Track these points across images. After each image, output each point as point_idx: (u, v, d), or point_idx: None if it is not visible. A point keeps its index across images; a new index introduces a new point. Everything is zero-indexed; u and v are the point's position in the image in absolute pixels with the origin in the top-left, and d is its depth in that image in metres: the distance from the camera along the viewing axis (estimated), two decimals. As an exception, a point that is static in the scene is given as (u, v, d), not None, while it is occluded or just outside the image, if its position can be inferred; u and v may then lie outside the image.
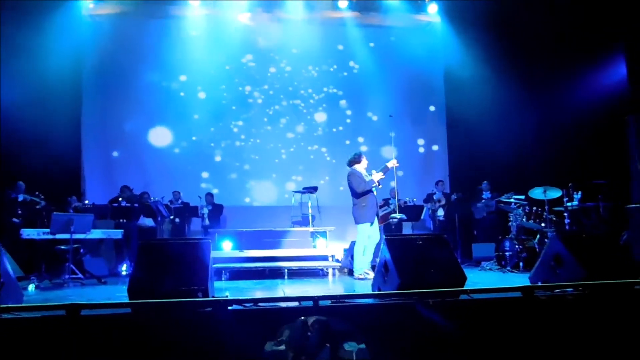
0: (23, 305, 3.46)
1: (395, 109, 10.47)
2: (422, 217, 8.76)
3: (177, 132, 10.07)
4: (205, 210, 8.94)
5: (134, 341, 3.11)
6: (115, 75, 9.98)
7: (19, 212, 7.60)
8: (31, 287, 5.69)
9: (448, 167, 10.44)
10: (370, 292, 4.47)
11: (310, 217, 8.72)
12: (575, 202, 7.17)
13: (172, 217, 8.60)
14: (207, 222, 8.90)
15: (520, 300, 3.55)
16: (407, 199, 8.73)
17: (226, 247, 7.44)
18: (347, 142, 10.43)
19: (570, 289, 3.77)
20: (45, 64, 8.54)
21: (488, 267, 7.10)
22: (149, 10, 10.01)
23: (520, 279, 5.46)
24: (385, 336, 3.40)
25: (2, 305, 3.19)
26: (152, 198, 8.60)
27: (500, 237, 7.26)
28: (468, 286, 3.95)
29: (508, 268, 6.79)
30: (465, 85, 9.75)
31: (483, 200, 8.62)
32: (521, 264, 6.67)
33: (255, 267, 6.75)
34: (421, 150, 10.62)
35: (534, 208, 7.06)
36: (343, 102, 10.58)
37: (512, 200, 7.34)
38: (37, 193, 7.78)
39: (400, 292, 3.76)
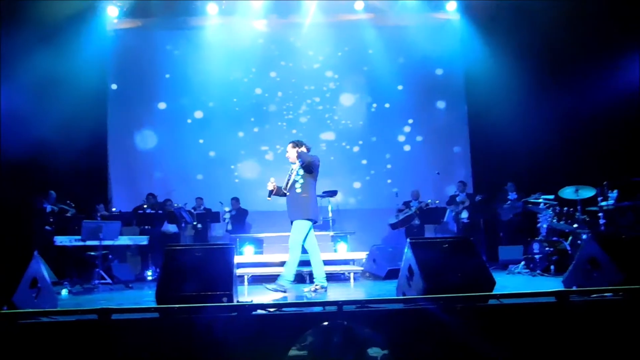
0: (58, 309, 3.56)
1: (415, 110, 10.45)
2: (444, 220, 8.66)
3: (202, 139, 10.22)
4: (228, 215, 9.01)
5: (161, 345, 3.16)
6: (138, 85, 10.25)
7: (51, 220, 7.81)
8: (64, 292, 5.86)
9: (471, 168, 10.26)
10: (394, 297, 4.42)
11: (330, 221, 8.70)
12: (610, 202, 6.82)
13: (195, 223, 8.71)
14: (230, 227, 8.97)
15: (554, 305, 3.45)
16: (429, 201, 8.64)
17: (248, 252, 7.49)
18: (361, 142, 10.44)
19: (609, 294, 3.65)
20: (71, 77, 8.75)
21: (516, 271, 6.87)
22: (168, 23, 10.25)
23: (552, 283, 5.33)
24: (410, 342, 3.36)
25: (39, 310, 3.30)
26: (175, 205, 8.75)
27: (528, 239, 7.06)
28: (496, 291, 3.87)
29: (538, 271, 6.58)
30: (486, 83, 9.51)
31: (509, 202, 8.43)
32: (552, 267, 6.48)
33: (278, 272, 6.74)
34: (443, 151, 10.47)
35: (565, 208, 6.83)
36: (361, 104, 10.54)
37: (540, 200, 7.10)
38: (68, 202, 8.02)
39: (426, 296, 3.71)
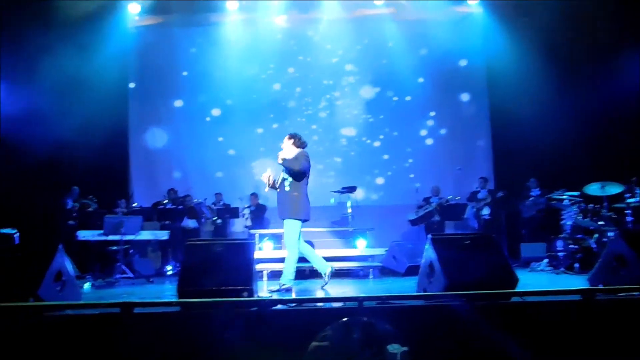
0: (82, 302, 3.63)
1: (437, 103, 10.30)
2: (465, 216, 8.54)
3: (221, 137, 10.27)
4: (247, 211, 9.06)
5: (182, 338, 3.19)
6: (157, 83, 10.35)
7: (74, 215, 7.96)
8: (87, 286, 5.96)
9: (492, 163, 10.05)
10: (415, 293, 4.38)
11: (349, 217, 8.68)
12: (638, 198, 6.71)
13: (214, 218, 8.77)
14: (249, 222, 9.01)
15: (579, 303, 3.38)
16: (450, 197, 8.53)
17: (267, 248, 7.51)
18: (382, 136, 10.34)
19: (637, 293, 3.55)
20: (93, 75, 8.88)
21: (539, 268, 6.78)
22: (188, 20, 10.29)
23: (577, 281, 5.24)
24: (430, 339, 3.33)
25: (63, 302, 3.37)
26: (195, 200, 8.83)
27: (552, 237, 6.93)
28: (519, 288, 3.82)
29: (562, 269, 6.46)
30: (509, 77, 9.30)
31: (531, 198, 8.27)
32: (576, 265, 6.36)
33: (297, 267, 6.75)
34: (464, 145, 10.25)
35: (591, 205, 6.69)
36: (381, 98, 10.42)
37: (564, 197, 6.96)
38: (90, 197, 8.16)
39: (447, 293, 3.67)
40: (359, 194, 9.56)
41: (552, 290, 3.74)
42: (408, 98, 10.36)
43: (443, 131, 10.33)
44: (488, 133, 10.20)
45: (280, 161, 5.10)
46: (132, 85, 10.34)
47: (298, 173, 5.05)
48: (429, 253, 4.15)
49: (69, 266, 3.95)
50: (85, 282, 6.10)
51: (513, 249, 8.19)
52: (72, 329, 3.18)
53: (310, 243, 7.37)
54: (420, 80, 10.31)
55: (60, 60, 8.33)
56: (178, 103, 10.44)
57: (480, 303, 3.48)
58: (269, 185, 5.24)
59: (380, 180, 10.24)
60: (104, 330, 3.15)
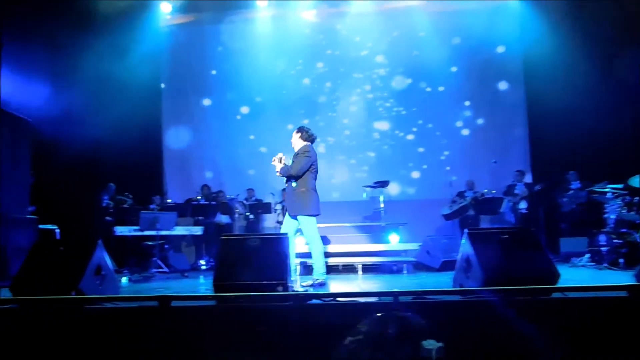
0: (121, 296, 3.71)
1: (471, 92, 10.06)
2: (501, 210, 8.33)
3: (252, 135, 10.33)
4: (279, 206, 9.09)
5: (218, 331, 3.21)
6: (190, 79, 10.52)
7: (111, 211, 8.17)
8: (124, 280, 6.10)
9: (529, 155, 9.74)
10: (451, 288, 4.30)
11: (381, 212, 8.60)
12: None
13: (247, 213, 8.85)
14: (281, 217, 9.04)
15: (625, 300, 3.23)
16: (485, 190, 8.33)
17: (300, 243, 7.51)
18: (415, 129, 10.19)
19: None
20: (127, 74, 9.07)
21: (580, 264, 6.55)
22: (219, 17, 10.42)
23: (622, 277, 5.02)
24: (467, 335, 3.25)
25: (103, 296, 3.45)
26: (227, 196, 8.93)
27: (594, 231, 6.68)
28: (560, 284, 3.69)
29: (605, 265, 6.23)
30: (547, 65, 8.98)
31: (571, 191, 7.98)
32: (621, 260, 6.11)
33: (329, 263, 6.75)
34: (500, 136, 9.97)
35: (636, 198, 6.42)
36: (414, 89, 10.25)
37: (607, 190, 6.71)
38: (126, 193, 8.36)
39: (485, 288, 3.58)
40: (395, 188, 9.47)
41: (597, 286, 3.58)
42: (441, 88, 10.17)
43: (480, 121, 10.09)
44: (525, 123, 9.89)
45: (279, 174, 5.14)
46: (163, 85, 10.53)
47: (295, 176, 5.05)
48: (465, 248, 4.05)
49: (108, 261, 4.04)
50: (122, 277, 6.24)
51: (552, 244, 7.94)
52: (111, 321, 3.26)
53: (346, 238, 7.36)
54: (454, 69, 10.12)
55: (96, 61, 8.56)
56: (209, 101, 10.60)
57: (519, 299, 3.38)
58: (278, 170, 5.21)
59: (415, 174, 10.10)
60: (142, 323, 3.21)
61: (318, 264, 5.02)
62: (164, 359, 3.12)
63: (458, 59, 10.08)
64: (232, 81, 10.44)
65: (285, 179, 5.18)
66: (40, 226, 6.56)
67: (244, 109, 10.49)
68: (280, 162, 5.17)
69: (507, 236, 4.01)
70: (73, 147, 8.09)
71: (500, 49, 10.06)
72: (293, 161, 5.07)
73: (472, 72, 10.02)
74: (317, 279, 4.96)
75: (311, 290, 4.59)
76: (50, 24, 7.56)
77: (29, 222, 6.22)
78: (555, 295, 3.48)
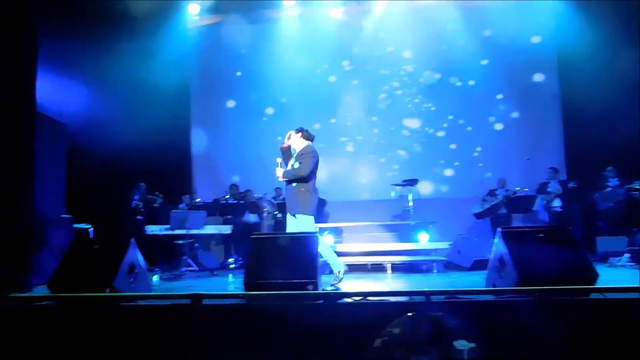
0: (154, 294, 3.77)
1: (504, 87, 9.80)
2: (534, 208, 8.11)
3: (279, 136, 10.29)
4: (307, 206, 9.09)
5: (249, 329, 3.23)
6: (218, 79, 10.64)
7: (141, 210, 8.33)
8: (156, 278, 6.19)
9: (564, 151, 9.41)
10: (484, 288, 4.20)
11: (410, 211, 8.51)
12: None
13: (276, 212, 8.88)
14: (309, 216, 9.05)
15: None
16: (517, 188, 8.13)
17: (327, 242, 7.50)
18: (445, 125, 10.00)
19: None
20: (156, 75, 9.21)
21: (619, 264, 6.32)
22: (246, 17, 10.46)
23: (663, 277, 4.82)
24: (500, 336, 3.18)
25: (137, 293, 3.51)
26: (255, 195, 8.98)
27: (634, 230, 6.45)
28: (599, 284, 3.57)
29: (646, 265, 6.00)
30: (583, 58, 8.67)
31: (609, 188, 7.70)
32: (663, 260, 5.90)
33: (358, 262, 6.73)
34: (534, 130, 9.64)
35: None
36: (443, 84, 10.03)
37: (648, 187, 6.50)
38: (156, 193, 8.50)
39: (520, 288, 3.49)
40: (427, 187, 9.34)
41: (638, 287, 3.44)
42: (472, 82, 9.94)
43: (515, 114, 9.80)
44: (559, 117, 9.53)
45: (282, 179, 5.01)
46: (192, 85, 10.67)
47: (306, 177, 4.94)
48: (499, 247, 3.97)
49: (141, 259, 4.11)
50: (153, 275, 6.33)
51: (588, 243, 7.67)
52: (145, 318, 3.31)
53: (375, 237, 7.28)
54: (484, 62, 9.88)
55: (126, 63, 8.71)
56: (235, 103, 10.64)
57: (556, 299, 3.28)
58: (280, 176, 5.08)
59: (449, 172, 9.88)
60: (175, 320, 3.25)
61: (332, 261, 4.93)
62: (196, 356, 3.16)
63: (489, 51, 9.82)
64: (258, 82, 10.47)
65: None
66: (75, 225, 6.73)
67: (269, 110, 10.50)
68: (279, 166, 5.11)
69: (542, 235, 3.91)
70: (105, 148, 8.27)
71: (536, 39, 9.73)
72: (300, 162, 4.94)
73: (505, 64, 9.74)
74: (338, 274, 4.88)
75: (340, 288, 4.56)
76: (80, 27, 7.73)
77: (65, 222, 6.39)
78: (594, 296, 3.37)
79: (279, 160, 5.15)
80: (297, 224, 4.87)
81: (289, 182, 4.98)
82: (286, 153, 5.23)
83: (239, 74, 10.68)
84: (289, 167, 5.08)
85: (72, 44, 7.50)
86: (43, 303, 3.54)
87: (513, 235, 3.93)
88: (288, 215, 5.03)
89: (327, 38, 10.32)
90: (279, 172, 5.01)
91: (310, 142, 5.18)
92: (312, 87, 10.30)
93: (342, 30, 10.37)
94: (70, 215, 6.72)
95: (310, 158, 4.94)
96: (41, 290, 4.24)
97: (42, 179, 5.07)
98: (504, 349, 3.13)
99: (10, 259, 4.25)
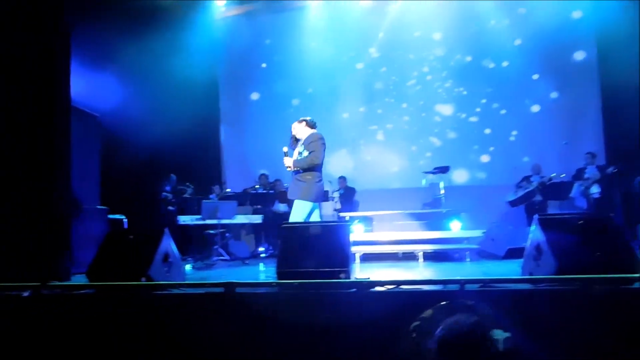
0: (188, 282, 3.82)
1: (539, 66, 9.46)
2: (571, 195, 7.85)
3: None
4: (336, 194, 9.07)
5: (282, 317, 3.24)
6: (246, 71, 10.68)
7: (173, 201, 8.47)
8: (188, 267, 6.30)
9: (603, 134, 9.06)
10: (521, 276, 4.10)
11: (442, 199, 8.37)
12: None
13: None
14: (338, 205, 9.02)
15: None
16: (553, 174, 7.88)
17: (358, 230, 7.47)
18: (478, 109, 9.76)
19: None
20: (186, 68, 9.30)
21: (664, 252, 6.09)
22: (271, 7, 10.45)
23: None
24: (537, 325, 3.09)
25: (171, 282, 3.58)
26: (285, 184, 8.99)
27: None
28: (642, 274, 3.42)
29: (692, 252, 5.76)
30: (623, 37, 8.25)
31: (651, 173, 7.43)
32: None
33: (388, 250, 6.68)
34: (571, 112, 9.29)
35: None
36: (474, 67, 9.79)
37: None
38: (187, 183, 8.62)
39: (559, 277, 3.39)
40: (463, 174, 9.15)
41: (684, 275, 3.29)
42: (505, 64, 9.65)
43: (554, 94, 9.45)
44: (598, 99, 9.16)
45: (294, 168, 4.94)
46: (220, 76, 10.73)
47: (318, 165, 4.90)
48: (536, 234, 3.85)
49: (174, 249, 4.17)
50: (186, 264, 6.44)
51: (629, 231, 7.39)
52: (179, 306, 3.36)
53: (406, 226, 7.19)
54: (517, 42, 9.57)
55: (155, 55, 8.79)
56: (261, 95, 10.67)
57: (596, 288, 3.17)
58: (290, 165, 5.02)
59: (485, 158, 9.67)
60: (209, 308, 3.30)
61: None
62: (230, 343, 3.19)
63: (523, 30, 9.49)
64: (283, 73, 10.43)
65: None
66: (109, 216, 6.89)
67: (295, 101, 10.44)
68: (286, 155, 5.06)
69: (582, 222, 3.77)
70: (136, 140, 8.41)
71: (576, 15, 9.33)
72: (311, 151, 4.87)
73: (541, 43, 9.36)
74: None
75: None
76: (111, 20, 7.82)
77: (100, 213, 6.55)
78: (638, 284, 3.23)
79: (285, 149, 5.11)
80: (294, 209, 4.83)
81: (297, 170, 4.93)
82: (294, 144, 5.21)
83: (264, 65, 10.69)
84: (296, 156, 5.03)
85: (103, 36, 7.60)
86: (83, 291, 3.63)
87: (551, 222, 3.80)
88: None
89: (352, 25, 10.19)
90: (289, 161, 4.96)
91: (315, 130, 5.13)
92: (338, 76, 10.22)
93: (367, 16, 10.20)
94: (105, 207, 6.88)
95: (321, 145, 4.91)
96: (79, 279, 4.36)
97: (78, 171, 5.19)
98: (541, 339, 3.05)
99: (50, 249, 4.38)
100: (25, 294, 3.52)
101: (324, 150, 4.93)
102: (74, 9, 5.08)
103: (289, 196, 5.00)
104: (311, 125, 5.16)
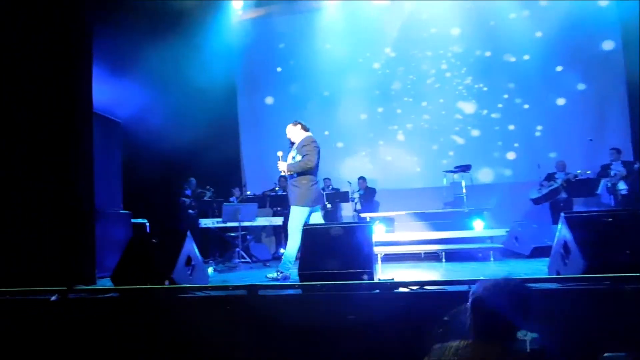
0: (211, 285, 3.84)
1: (564, 59, 9.19)
2: (598, 192, 7.66)
3: (327, 130, 10.25)
4: (356, 195, 9.04)
5: (305, 319, 3.22)
6: (263, 73, 10.70)
7: (192, 204, 8.54)
8: (210, 270, 6.33)
9: (630, 130, 8.74)
10: (547, 276, 4.01)
11: (464, 198, 8.27)
12: None
13: (325, 203, 8.87)
14: (358, 206, 8.99)
15: None
16: (579, 171, 7.69)
17: (379, 231, 7.42)
18: (500, 105, 9.58)
19: None
20: (205, 71, 9.35)
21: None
22: (290, 8, 10.43)
23: None
24: (565, 325, 3.01)
25: (195, 285, 3.60)
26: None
27: None
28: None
29: None
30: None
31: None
32: None
33: (410, 251, 6.62)
34: (598, 105, 8.97)
35: None
36: (495, 62, 9.57)
37: None
38: (207, 187, 8.68)
39: (588, 276, 3.30)
40: (487, 172, 8.99)
41: None
42: (526, 57, 9.40)
43: (582, 86, 9.13)
44: (625, 90, 8.86)
45: (287, 173, 4.92)
46: (239, 79, 10.78)
47: (311, 169, 4.88)
48: (563, 233, 3.77)
49: (197, 252, 4.20)
50: (208, 267, 6.47)
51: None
52: (203, 309, 3.38)
53: (428, 225, 7.12)
54: (539, 34, 9.31)
55: (174, 59, 8.88)
56: (280, 96, 10.62)
57: (628, 287, 3.08)
58: (284, 170, 5.02)
59: (511, 155, 9.44)
60: (232, 310, 3.30)
61: (289, 256, 4.80)
62: (253, 344, 3.19)
63: (544, 22, 9.21)
64: (299, 76, 10.39)
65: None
66: (132, 220, 6.97)
67: (312, 104, 10.33)
68: (280, 159, 5.03)
69: (611, 219, 3.67)
70: (156, 144, 8.48)
71: (603, 3, 9.05)
72: (304, 154, 4.85)
73: (564, 33, 9.06)
74: (282, 272, 4.72)
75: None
76: (131, 24, 7.91)
77: (123, 217, 6.63)
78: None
79: (280, 153, 5.10)
80: (291, 215, 4.82)
81: (292, 174, 4.91)
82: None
83: (279, 69, 10.66)
84: (290, 160, 5.01)
85: (124, 42, 7.70)
86: (107, 295, 3.68)
87: (579, 220, 3.72)
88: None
89: (367, 25, 10.10)
90: (283, 165, 4.95)
91: (309, 133, 5.11)
92: (355, 78, 10.13)
93: (382, 16, 10.08)
94: (128, 211, 6.96)
95: (314, 148, 4.89)
96: (104, 283, 4.41)
97: (100, 176, 5.26)
98: (570, 339, 2.97)
99: (75, 254, 4.45)
100: (53, 297, 3.58)
101: (318, 153, 4.91)
102: (96, 14, 5.16)
103: (290, 202, 4.98)
104: (305, 128, 5.15)
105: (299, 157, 4.89)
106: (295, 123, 5.18)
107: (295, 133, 5.14)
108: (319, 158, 4.95)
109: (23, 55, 4.73)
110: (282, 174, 5.05)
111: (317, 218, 5.03)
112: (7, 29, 4.76)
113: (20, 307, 3.58)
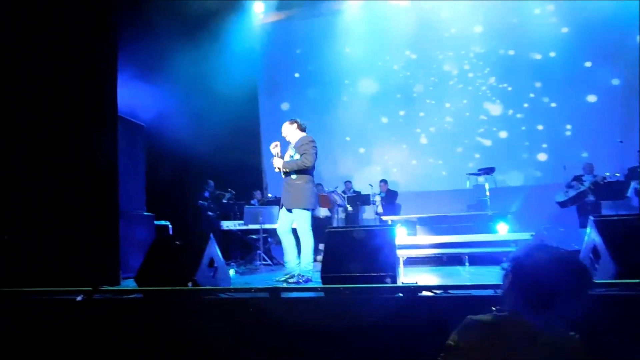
0: (234, 287, 3.85)
1: (593, 53, 8.96)
2: (627, 195, 7.45)
3: (348, 136, 10.19)
4: (378, 198, 8.98)
5: (327, 322, 3.20)
6: (283, 76, 10.73)
7: (212, 206, 8.60)
8: (232, 272, 6.35)
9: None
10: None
11: (487, 200, 8.13)
12: None
13: (347, 205, 8.85)
14: (380, 209, 8.93)
15: None
16: (607, 174, 7.50)
17: (401, 234, 7.34)
18: (526, 105, 9.34)
19: None
20: (225, 75, 9.44)
21: None
22: (311, 11, 10.46)
23: None
24: (594, 332, 2.92)
25: (218, 287, 3.61)
26: (326, 189, 8.98)
27: None
28: None
29: None
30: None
31: None
32: None
33: (433, 254, 6.53)
34: (626, 102, 8.68)
35: None
36: (519, 61, 9.37)
37: None
38: (228, 189, 8.75)
39: (618, 281, 3.20)
40: (516, 174, 8.83)
41: None
42: (552, 54, 9.20)
43: (616, 81, 8.81)
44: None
45: (283, 169, 4.81)
46: (259, 82, 10.84)
47: (309, 168, 4.79)
48: (592, 237, 3.67)
49: (219, 254, 4.21)
50: (229, 269, 6.50)
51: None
52: (226, 310, 3.38)
53: (450, 229, 7.03)
54: (564, 30, 9.11)
55: (196, 62, 8.97)
56: (299, 100, 10.65)
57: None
58: (277, 156, 4.94)
59: (542, 157, 9.25)
60: (255, 313, 3.30)
61: (307, 259, 4.74)
62: (275, 347, 3.18)
63: (569, 17, 9.03)
64: (318, 81, 10.38)
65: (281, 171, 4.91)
66: (156, 222, 7.06)
67: (332, 108, 10.33)
68: (277, 151, 4.95)
69: (643, 223, 3.56)
70: (179, 147, 8.58)
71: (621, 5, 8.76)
72: (302, 153, 4.77)
73: (593, 28, 8.84)
74: (303, 276, 4.64)
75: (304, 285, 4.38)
76: (154, 28, 8.02)
77: (146, 219, 6.72)
78: None
79: (275, 145, 5.02)
80: (292, 218, 4.76)
81: (287, 173, 4.83)
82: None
83: (296, 75, 10.70)
84: (287, 158, 4.93)
85: (147, 44, 7.80)
86: (132, 296, 3.72)
87: (608, 224, 3.61)
88: (282, 210, 4.85)
89: (386, 28, 10.07)
90: (278, 162, 4.87)
91: (306, 133, 5.05)
92: (375, 81, 10.09)
93: (401, 17, 10.01)
94: (151, 213, 7.05)
95: (312, 148, 4.80)
96: (128, 284, 4.47)
97: (124, 179, 5.34)
98: (599, 348, 2.88)
99: (100, 255, 4.52)
100: (79, 298, 3.63)
101: (316, 153, 4.83)
102: (119, 20, 5.23)
103: (285, 205, 4.85)
104: (302, 127, 5.08)
105: (297, 156, 4.82)
106: (292, 122, 5.11)
107: (291, 132, 5.07)
108: (316, 159, 4.89)
109: (50, 59, 4.84)
110: (277, 170, 4.93)
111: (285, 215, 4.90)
112: (35, 33, 4.87)
113: (47, 307, 3.65)
